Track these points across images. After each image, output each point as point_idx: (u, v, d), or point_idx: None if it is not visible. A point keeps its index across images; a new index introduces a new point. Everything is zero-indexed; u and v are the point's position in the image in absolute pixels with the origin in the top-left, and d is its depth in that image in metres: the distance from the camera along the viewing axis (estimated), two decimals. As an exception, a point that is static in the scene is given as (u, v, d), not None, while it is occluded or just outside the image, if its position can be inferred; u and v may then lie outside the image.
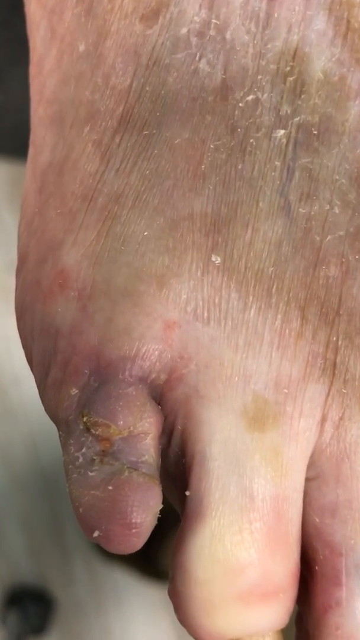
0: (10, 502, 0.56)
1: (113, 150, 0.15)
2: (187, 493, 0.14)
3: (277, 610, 0.14)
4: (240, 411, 0.14)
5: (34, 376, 0.16)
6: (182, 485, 0.15)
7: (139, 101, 0.15)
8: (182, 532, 0.14)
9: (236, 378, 0.14)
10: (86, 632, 0.55)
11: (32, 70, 0.17)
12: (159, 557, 0.50)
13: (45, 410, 0.15)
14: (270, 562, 0.14)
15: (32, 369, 0.16)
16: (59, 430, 0.15)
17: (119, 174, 0.15)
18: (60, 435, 0.15)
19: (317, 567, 0.14)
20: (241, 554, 0.14)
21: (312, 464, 0.15)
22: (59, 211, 0.15)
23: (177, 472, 0.15)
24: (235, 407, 0.14)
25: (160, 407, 0.15)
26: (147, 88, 0.15)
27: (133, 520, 0.14)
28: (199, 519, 0.14)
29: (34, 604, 0.54)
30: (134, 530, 0.14)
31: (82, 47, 0.16)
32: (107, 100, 0.15)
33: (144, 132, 0.15)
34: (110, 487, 0.14)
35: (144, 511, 0.14)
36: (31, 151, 0.17)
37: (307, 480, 0.15)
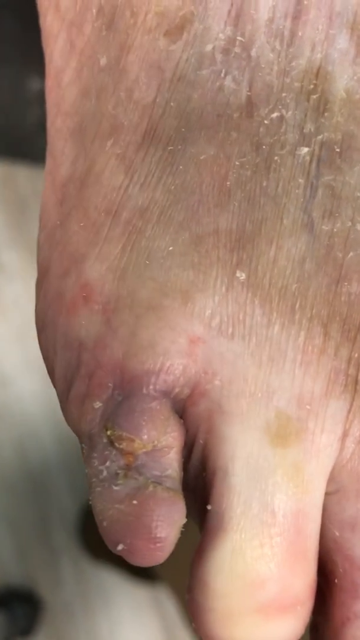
0: (-2, 504, 0.56)
1: (137, 164, 0.15)
2: (209, 507, 0.14)
3: (295, 623, 0.14)
4: (262, 427, 0.14)
5: (56, 389, 0.16)
6: (202, 498, 0.15)
7: (163, 116, 0.15)
8: (202, 545, 0.14)
9: (259, 394, 0.14)
10: (74, 632, 0.55)
11: (49, 82, 0.17)
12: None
13: (67, 423, 0.15)
14: (289, 576, 0.14)
15: (53, 382, 0.16)
16: (81, 443, 0.15)
17: (144, 188, 0.15)
18: (82, 448, 0.15)
19: (336, 580, 0.15)
20: (261, 568, 0.14)
21: (332, 479, 0.15)
22: (82, 224, 0.15)
23: (197, 486, 0.15)
24: (258, 424, 0.14)
25: (182, 420, 0.15)
26: (172, 104, 0.15)
27: (158, 535, 0.14)
28: (221, 534, 0.14)
29: (21, 605, 0.54)
30: (158, 545, 0.14)
31: (103, 61, 0.16)
32: (130, 114, 0.15)
33: (169, 148, 0.15)
34: (135, 502, 0.14)
35: (168, 525, 0.14)
36: (49, 163, 0.17)
37: (327, 494, 0.15)
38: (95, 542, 0.59)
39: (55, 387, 0.16)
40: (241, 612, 0.14)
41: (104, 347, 0.15)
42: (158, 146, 0.15)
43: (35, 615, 0.55)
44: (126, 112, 0.15)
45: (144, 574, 0.52)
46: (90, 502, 0.15)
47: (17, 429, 0.56)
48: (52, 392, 0.16)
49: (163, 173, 0.15)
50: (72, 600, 0.56)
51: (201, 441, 0.15)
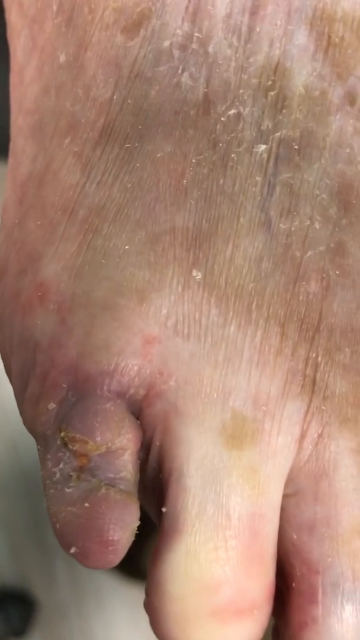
0: (-8, 503, 0.56)
1: (94, 162, 0.15)
2: (164, 509, 0.14)
3: (252, 627, 0.14)
4: (218, 428, 0.14)
5: (13, 388, 0.15)
6: (159, 500, 0.15)
7: (120, 113, 0.15)
8: (158, 547, 0.14)
9: (215, 395, 0.14)
10: (68, 633, 0.55)
11: (13, 78, 0.17)
12: (140, 558, 0.50)
13: (23, 423, 0.15)
14: (245, 580, 0.14)
15: (10, 381, 0.16)
16: (37, 444, 0.15)
17: (100, 186, 0.15)
18: (38, 449, 0.15)
19: (294, 584, 0.14)
20: (216, 572, 0.14)
21: (290, 481, 0.14)
22: (39, 223, 0.15)
23: (155, 487, 0.15)
24: (214, 425, 0.14)
25: (138, 421, 0.15)
26: (129, 100, 0.15)
27: (110, 538, 0.14)
28: (175, 536, 0.14)
29: (15, 605, 0.54)
30: (110, 548, 0.14)
31: (62, 58, 0.16)
32: (87, 111, 0.15)
33: (126, 145, 0.15)
34: (87, 504, 0.14)
35: (120, 528, 0.14)
36: (11, 161, 0.17)
37: (286, 496, 0.15)
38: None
39: (12, 386, 0.15)
40: (197, 616, 0.14)
41: (58, 347, 0.14)
42: (115, 144, 0.15)
43: (29, 616, 0.55)
44: (83, 109, 0.15)
45: (138, 575, 0.52)
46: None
47: (10, 428, 0.56)
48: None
49: (120, 171, 0.15)
50: (67, 600, 0.56)
51: (157, 442, 0.14)
